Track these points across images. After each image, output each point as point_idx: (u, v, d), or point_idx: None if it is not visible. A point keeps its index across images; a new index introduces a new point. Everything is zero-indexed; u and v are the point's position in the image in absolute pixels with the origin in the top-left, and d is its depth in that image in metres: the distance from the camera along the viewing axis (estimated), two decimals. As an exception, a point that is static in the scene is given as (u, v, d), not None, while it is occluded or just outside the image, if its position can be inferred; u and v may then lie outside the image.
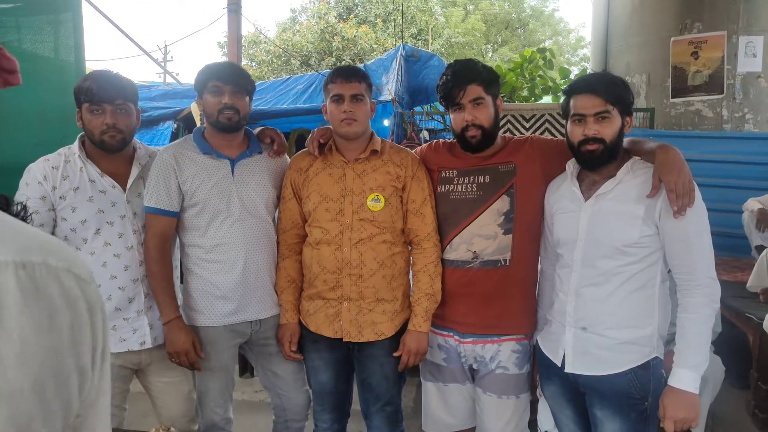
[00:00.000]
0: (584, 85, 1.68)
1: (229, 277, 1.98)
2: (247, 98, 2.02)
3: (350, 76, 1.90)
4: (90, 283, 0.55)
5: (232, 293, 1.99)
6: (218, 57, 18.79)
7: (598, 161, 1.66)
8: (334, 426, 2.08)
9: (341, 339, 1.94)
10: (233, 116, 1.95)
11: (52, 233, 1.87)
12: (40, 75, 2.67)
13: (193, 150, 2.00)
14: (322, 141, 1.97)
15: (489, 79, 1.83)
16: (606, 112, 1.62)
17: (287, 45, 16.16)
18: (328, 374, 2.01)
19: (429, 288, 1.89)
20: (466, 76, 1.81)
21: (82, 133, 1.95)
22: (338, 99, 1.88)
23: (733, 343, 3.25)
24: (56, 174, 1.87)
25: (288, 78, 7.24)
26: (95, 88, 1.84)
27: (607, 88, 1.64)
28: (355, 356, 1.99)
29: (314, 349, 2.01)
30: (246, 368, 3.56)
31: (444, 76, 1.86)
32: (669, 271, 1.70)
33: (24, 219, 0.71)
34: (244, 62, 19.07)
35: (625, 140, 1.72)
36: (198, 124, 4.88)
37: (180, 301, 2.04)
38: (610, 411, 1.65)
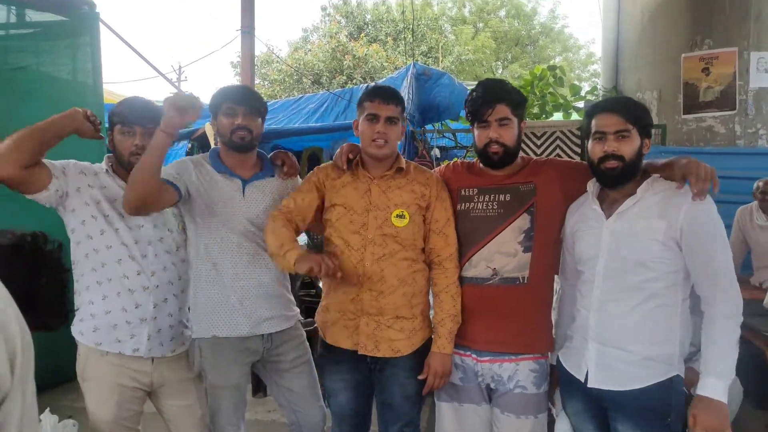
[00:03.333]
0: (605, 106, 1.75)
1: (237, 293, 2.02)
2: (260, 119, 2.09)
3: (388, 98, 1.93)
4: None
5: (241, 308, 2.02)
6: (231, 76, 19.04)
7: (618, 179, 1.69)
8: None
9: (363, 358, 1.94)
10: (246, 136, 2.02)
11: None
12: (58, 97, 2.74)
13: (208, 166, 2.08)
14: (351, 156, 2.00)
15: (517, 101, 1.88)
16: (626, 131, 1.67)
17: (299, 64, 16.36)
18: (348, 395, 2.01)
19: (452, 309, 1.89)
20: (495, 95, 1.85)
21: (109, 154, 2.05)
22: (373, 118, 1.91)
23: (751, 363, 3.19)
24: (96, 180, 1.98)
25: (300, 97, 7.33)
26: (128, 111, 1.93)
27: (628, 108, 1.70)
28: (375, 377, 1.98)
29: (336, 371, 2.01)
30: (259, 388, 3.56)
31: (473, 93, 1.90)
32: (690, 293, 1.71)
33: (59, 257, 0.74)
34: (256, 81, 19.31)
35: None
36: (212, 143, 4.94)
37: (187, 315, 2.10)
38: (632, 427, 1.65)
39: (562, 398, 1.87)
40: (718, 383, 1.54)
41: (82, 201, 1.95)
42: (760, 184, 4.20)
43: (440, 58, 18.54)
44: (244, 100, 2.03)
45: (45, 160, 1.88)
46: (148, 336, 1.99)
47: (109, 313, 1.94)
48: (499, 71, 23.17)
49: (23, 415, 0.69)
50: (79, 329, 1.97)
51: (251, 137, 2.04)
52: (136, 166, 1.82)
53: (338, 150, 2.05)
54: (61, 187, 1.90)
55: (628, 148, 1.67)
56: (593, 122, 1.73)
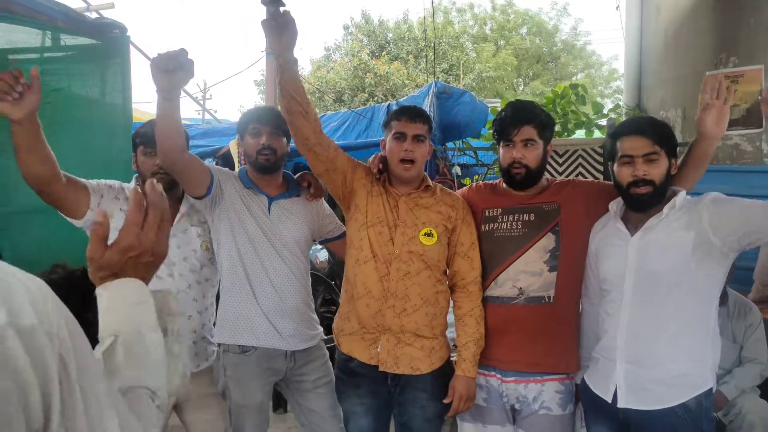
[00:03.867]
0: (632, 128, 1.73)
1: (263, 306, 2.05)
2: (285, 139, 2.14)
3: (415, 117, 1.96)
4: (32, 332, 0.55)
5: (267, 321, 2.05)
6: (255, 95, 19.35)
7: (649, 203, 1.69)
8: None
9: (382, 380, 1.94)
10: (270, 157, 2.07)
11: None
12: (88, 118, 2.81)
13: (238, 181, 2.14)
14: (381, 167, 2.02)
15: (545, 123, 1.90)
16: (654, 153, 1.66)
17: (321, 82, 16.58)
18: (369, 419, 2.01)
19: (476, 333, 1.89)
20: (523, 116, 1.88)
21: (137, 174, 2.11)
22: (400, 137, 1.93)
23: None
24: (123, 192, 2.03)
25: (323, 115, 7.42)
26: (150, 132, 1.96)
27: (655, 129, 1.69)
28: (395, 399, 1.98)
29: (355, 395, 2.01)
30: (279, 404, 3.56)
31: (502, 112, 1.93)
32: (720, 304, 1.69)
33: (84, 285, 0.76)
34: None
35: None
36: (236, 161, 5.02)
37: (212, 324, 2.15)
38: None
39: (586, 421, 1.85)
40: None
41: (113, 227, 1.98)
42: None
43: (461, 76, 18.60)
44: (268, 120, 2.09)
45: (86, 182, 1.92)
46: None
47: None
48: (521, 88, 23.15)
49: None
50: None
51: (275, 158, 2.09)
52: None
53: (372, 157, 2.09)
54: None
55: (657, 172, 1.66)
56: (618, 145, 1.72)
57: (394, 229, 1.93)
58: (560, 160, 5.50)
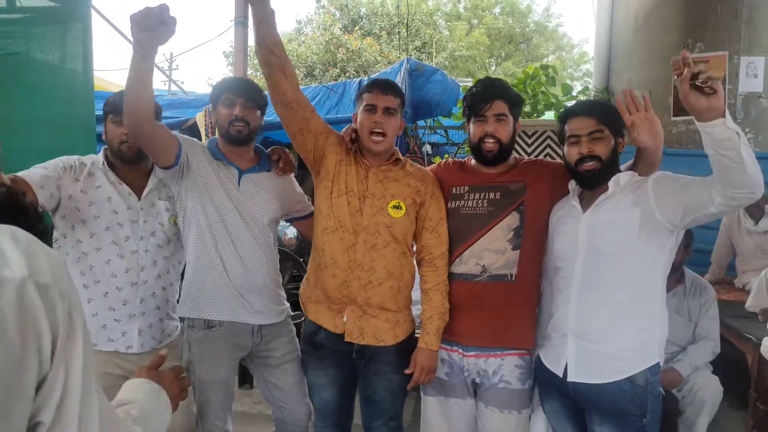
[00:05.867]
0: (577, 109, 1.80)
1: (230, 281, 2.03)
2: (258, 112, 2.10)
3: (387, 89, 1.94)
4: (47, 289, 0.67)
5: (233, 296, 2.03)
6: (224, 66, 18.92)
7: (596, 179, 1.73)
8: None
9: (347, 353, 1.95)
10: (243, 129, 2.03)
11: (55, 215, 1.95)
12: (48, 84, 2.71)
13: (208, 152, 2.09)
14: (353, 136, 2.00)
15: (515, 99, 1.92)
16: (599, 132, 1.71)
17: (292, 55, 16.28)
18: (333, 391, 2.02)
19: (441, 306, 1.91)
20: (494, 91, 1.89)
21: (105, 147, 2.05)
22: (371, 109, 1.91)
23: (732, 364, 3.24)
24: (84, 169, 1.97)
25: (292, 89, 7.29)
26: (120, 101, 1.90)
27: (600, 110, 1.75)
28: (359, 372, 2.00)
29: (320, 367, 2.02)
30: (245, 379, 3.56)
31: (473, 88, 1.94)
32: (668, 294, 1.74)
33: (37, 209, 0.82)
34: (249, 72, 19.19)
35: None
36: (203, 134, 4.91)
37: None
38: (608, 427, 1.67)
39: (540, 397, 1.90)
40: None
41: (73, 207, 1.94)
42: None
43: (434, 54, 18.52)
44: (242, 91, 2.04)
45: (37, 173, 1.84)
46: (139, 331, 2.00)
47: (95, 315, 1.95)
48: (493, 68, 23.20)
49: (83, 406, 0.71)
50: None
51: (248, 130, 2.05)
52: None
53: (346, 127, 2.06)
54: (54, 195, 1.88)
55: (603, 149, 1.71)
56: (567, 126, 1.78)
57: (362, 200, 1.93)
58: (529, 141, 5.56)
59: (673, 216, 1.61)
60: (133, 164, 2.04)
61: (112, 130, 1.99)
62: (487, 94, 1.88)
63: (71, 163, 1.97)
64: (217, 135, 2.16)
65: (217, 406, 2.07)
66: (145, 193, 2.04)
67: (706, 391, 2.69)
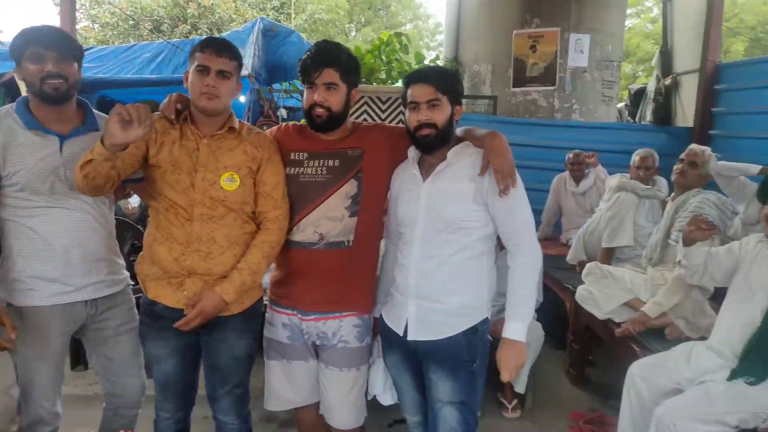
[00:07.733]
0: (418, 76, 1.85)
1: (58, 261, 1.85)
2: (76, 64, 1.87)
3: (222, 51, 1.82)
4: None
5: (63, 275, 1.86)
6: (53, 14, 16.79)
7: (432, 144, 1.81)
8: (178, 414, 2.02)
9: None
10: (61, 85, 1.80)
11: None
12: None
13: (17, 124, 1.83)
14: (179, 107, 1.87)
15: (348, 67, 1.87)
16: (437, 100, 1.78)
17: (135, 8, 14.87)
18: (174, 362, 1.94)
19: (255, 265, 1.86)
20: (326, 58, 1.84)
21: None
22: (203, 70, 1.80)
23: (554, 311, 3.67)
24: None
25: (133, 45, 6.69)
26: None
27: (438, 78, 1.81)
28: (203, 340, 1.94)
29: (159, 337, 1.92)
30: (79, 360, 3.30)
31: (307, 53, 1.88)
32: (498, 247, 1.91)
33: None
34: (85, 23, 17.23)
35: (459, 129, 1.90)
36: (22, 90, 4.34)
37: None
38: (443, 374, 1.81)
39: (382, 351, 2.00)
40: (520, 326, 1.77)
41: None
42: (570, 155, 4.75)
43: (293, 15, 18.01)
44: (53, 43, 1.79)
45: None
46: None
47: None
48: (352, 34, 23.16)
49: None
50: None
51: (67, 85, 1.82)
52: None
53: (166, 99, 1.91)
54: None
55: (439, 116, 1.78)
56: (408, 92, 1.84)
57: (194, 174, 1.84)
58: (383, 107, 5.68)
59: (494, 217, 1.80)
60: None
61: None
62: (318, 60, 1.84)
63: None
64: (28, 94, 1.88)
65: (44, 385, 1.90)
66: None
67: (530, 336, 3.00)
